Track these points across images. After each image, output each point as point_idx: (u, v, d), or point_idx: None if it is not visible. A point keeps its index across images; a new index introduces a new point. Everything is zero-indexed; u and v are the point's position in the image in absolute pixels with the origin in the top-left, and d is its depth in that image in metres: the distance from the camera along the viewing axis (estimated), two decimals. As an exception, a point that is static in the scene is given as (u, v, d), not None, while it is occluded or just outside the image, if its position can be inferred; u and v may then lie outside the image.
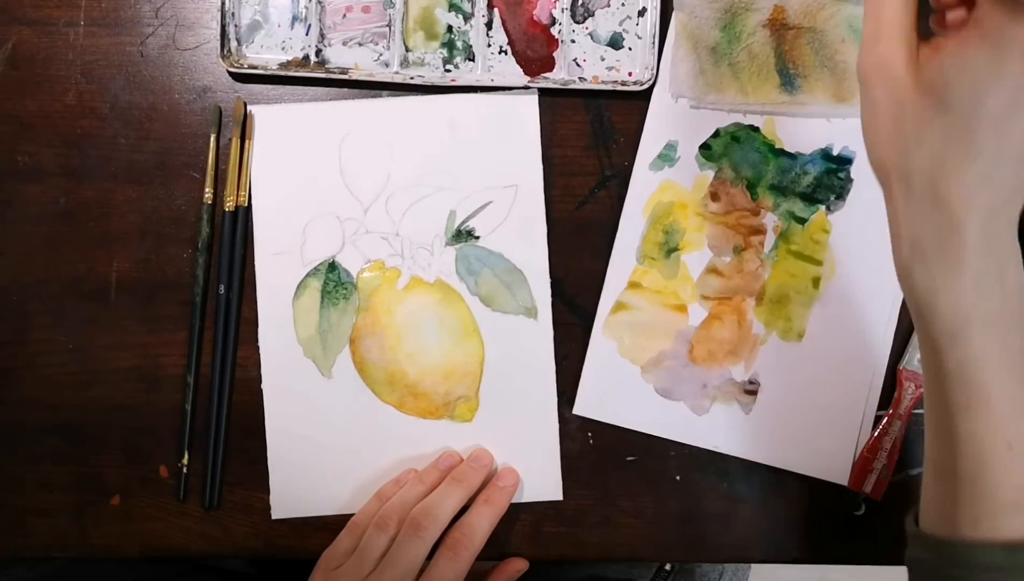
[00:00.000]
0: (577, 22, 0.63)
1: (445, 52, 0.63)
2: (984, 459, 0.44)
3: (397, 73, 0.62)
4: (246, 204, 0.63)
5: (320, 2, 0.62)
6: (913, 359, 0.62)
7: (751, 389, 0.63)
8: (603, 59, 0.63)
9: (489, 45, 0.63)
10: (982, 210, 0.42)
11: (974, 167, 0.41)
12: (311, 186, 0.63)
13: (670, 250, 0.63)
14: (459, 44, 0.63)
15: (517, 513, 0.63)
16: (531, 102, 0.63)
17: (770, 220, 0.63)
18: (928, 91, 0.41)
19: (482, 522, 0.60)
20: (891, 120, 0.42)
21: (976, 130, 0.41)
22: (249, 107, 0.63)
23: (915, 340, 0.62)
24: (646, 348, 0.63)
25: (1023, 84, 0.40)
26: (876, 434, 0.62)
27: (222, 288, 0.62)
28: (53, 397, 0.63)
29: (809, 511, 0.63)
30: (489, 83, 0.62)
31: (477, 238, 0.63)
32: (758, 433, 0.63)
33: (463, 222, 0.63)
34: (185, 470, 0.63)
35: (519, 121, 0.63)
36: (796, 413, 0.63)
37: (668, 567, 0.80)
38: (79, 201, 0.63)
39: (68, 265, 0.63)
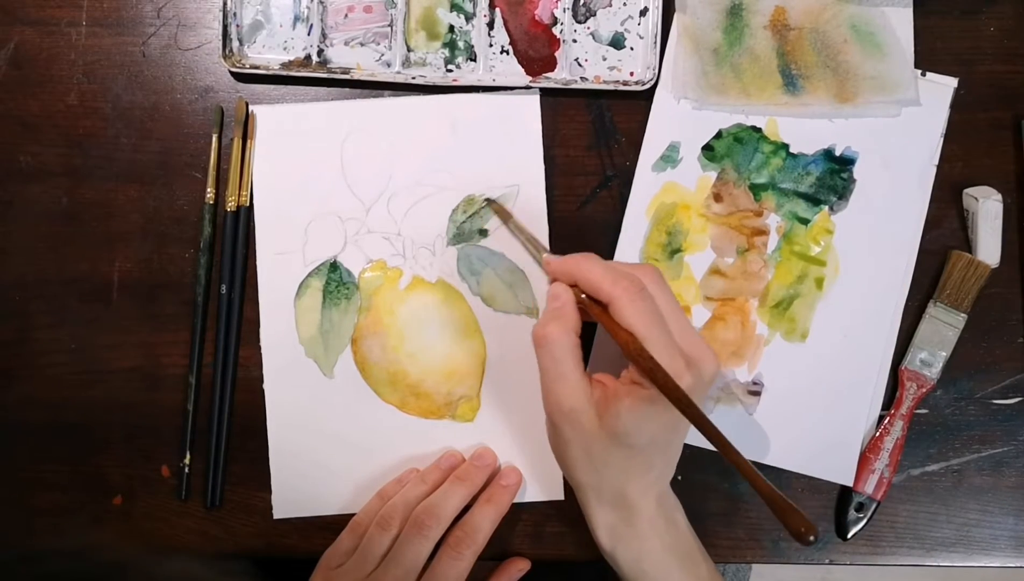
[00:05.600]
0: (579, 22, 0.63)
1: (447, 52, 0.63)
2: None
3: (399, 73, 0.62)
4: (248, 204, 0.63)
5: (322, 2, 0.62)
6: (915, 359, 0.62)
7: (755, 390, 0.63)
8: (605, 59, 0.63)
9: (491, 45, 0.63)
10: (654, 495, 0.55)
11: (649, 476, 0.55)
12: (313, 186, 0.63)
13: (673, 251, 0.63)
14: (461, 44, 0.62)
15: (519, 513, 0.63)
16: (533, 102, 0.63)
17: (773, 221, 0.63)
18: (611, 435, 0.52)
19: (484, 521, 0.60)
20: (581, 452, 0.54)
21: (651, 455, 0.54)
22: (251, 107, 0.63)
23: (917, 340, 0.62)
24: (649, 349, 0.63)
25: (674, 421, 0.52)
26: (878, 434, 0.62)
27: (224, 288, 0.62)
28: (55, 397, 0.63)
29: (810, 511, 0.63)
30: (491, 83, 0.62)
31: (486, 234, 0.63)
32: (762, 434, 0.63)
33: (470, 217, 0.63)
34: (187, 470, 0.63)
35: (521, 121, 0.63)
36: (800, 414, 0.63)
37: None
38: (81, 201, 0.63)
39: (70, 265, 0.63)
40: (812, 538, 0.45)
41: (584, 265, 0.53)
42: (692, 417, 0.49)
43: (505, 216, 0.62)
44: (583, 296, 0.53)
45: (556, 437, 0.55)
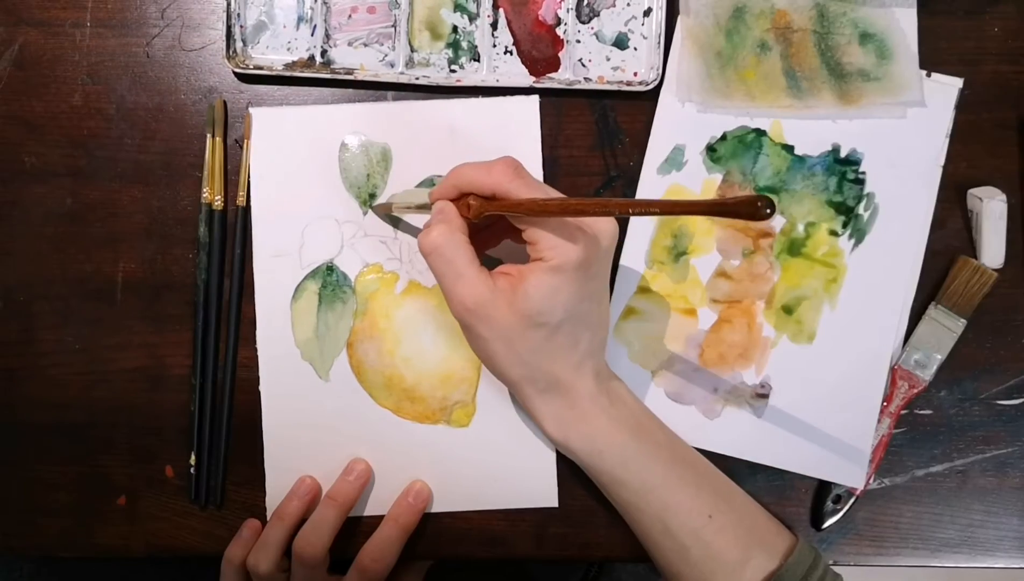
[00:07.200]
0: (582, 22, 0.62)
1: (450, 52, 0.62)
2: (702, 537, 0.55)
3: (402, 73, 0.62)
4: (244, 204, 0.62)
5: (326, 3, 0.62)
6: (910, 359, 0.62)
7: (762, 392, 0.62)
8: (608, 59, 0.62)
9: (494, 45, 0.62)
10: (590, 373, 0.54)
11: (577, 352, 0.54)
12: (310, 188, 0.63)
13: (679, 254, 0.63)
14: (464, 44, 0.62)
15: (521, 515, 0.63)
16: (531, 105, 0.63)
17: (779, 223, 0.62)
18: (525, 318, 0.51)
19: (391, 544, 0.60)
20: (502, 346, 0.52)
21: (572, 329, 0.52)
22: (250, 108, 0.63)
23: (914, 340, 0.62)
24: (656, 352, 0.63)
25: (586, 289, 0.52)
26: (865, 431, 0.62)
27: (223, 288, 0.62)
28: (59, 397, 0.63)
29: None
30: (494, 83, 0.62)
31: None
32: (770, 436, 0.62)
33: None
34: (191, 470, 0.63)
35: (519, 125, 0.62)
36: (808, 416, 0.62)
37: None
38: (85, 202, 0.63)
39: (74, 265, 0.63)
40: (769, 210, 0.39)
41: (456, 171, 0.52)
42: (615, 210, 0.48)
43: (386, 209, 0.61)
44: (472, 204, 0.52)
45: (474, 340, 0.54)
